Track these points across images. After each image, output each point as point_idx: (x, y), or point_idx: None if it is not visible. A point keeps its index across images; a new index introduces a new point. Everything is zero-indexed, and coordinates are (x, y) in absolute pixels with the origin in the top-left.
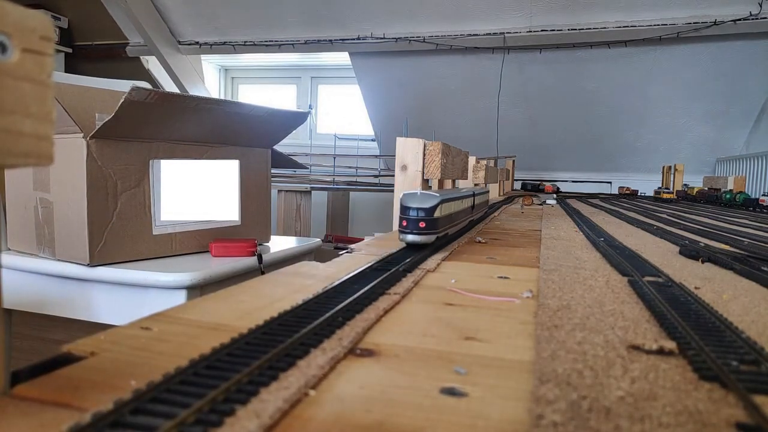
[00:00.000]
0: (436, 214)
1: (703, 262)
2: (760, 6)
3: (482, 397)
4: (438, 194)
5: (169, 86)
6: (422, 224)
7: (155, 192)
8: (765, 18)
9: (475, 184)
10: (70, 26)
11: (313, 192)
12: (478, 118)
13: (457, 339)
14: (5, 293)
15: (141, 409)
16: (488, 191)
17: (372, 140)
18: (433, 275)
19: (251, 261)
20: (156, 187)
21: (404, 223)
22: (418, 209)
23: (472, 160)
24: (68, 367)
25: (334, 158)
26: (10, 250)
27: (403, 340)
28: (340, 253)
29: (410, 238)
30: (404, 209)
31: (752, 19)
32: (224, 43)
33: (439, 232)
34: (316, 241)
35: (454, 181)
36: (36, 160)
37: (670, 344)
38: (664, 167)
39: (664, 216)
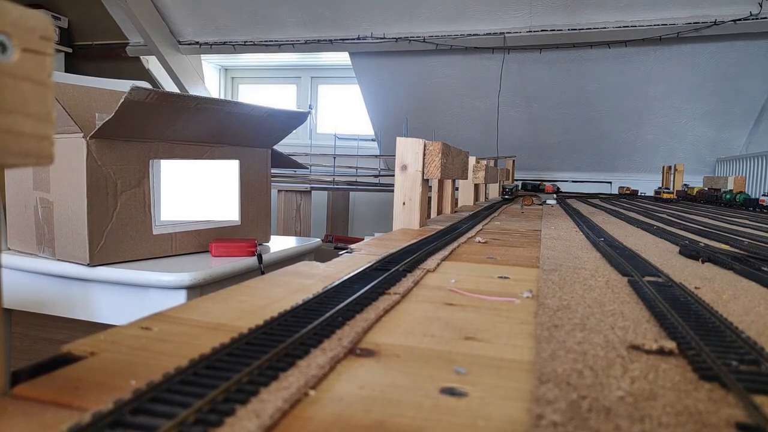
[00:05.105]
0: (513, 190)
1: (703, 262)
2: (760, 6)
3: (482, 397)
4: (512, 185)
5: (169, 86)
6: (509, 193)
7: (155, 192)
8: (765, 18)
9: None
10: (70, 26)
11: (313, 192)
12: (478, 118)
13: (457, 339)
14: (5, 293)
15: (141, 409)
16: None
17: (372, 140)
18: (433, 275)
19: (251, 261)
20: (156, 187)
21: (503, 192)
22: (509, 187)
23: (472, 160)
24: (68, 367)
25: (334, 158)
26: (10, 250)
27: (403, 340)
28: (340, 253)
29: (506, 197)
30: (504, 188)
31: (752, 19)
32: (224, 43)
33: (512, 196)
34: (316, 241)
35: (454, 181)
36: (36, 160)
37: (670, 344)
38: (664, 167)
39: (664, 216)
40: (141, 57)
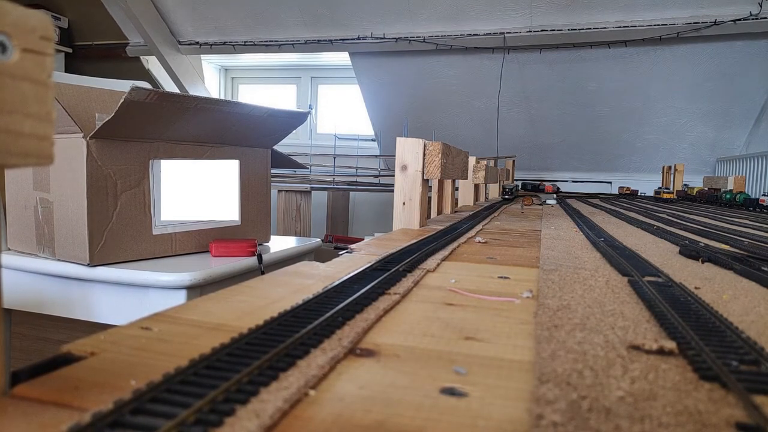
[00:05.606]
0: (513, 190)
1: (703, 262)
2: (760, 6)
3: (482, 397)
4: (512, 185)
5: (169, 86)
6: (509, 193)
7: (155, 192)
8: (765, 18)
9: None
10: (70, 26)
11: (313, 192)
12: (478, 118)
13: (457, 339)
14: (5, 293)
15: (141, 409)
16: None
17: (372, 140)
18: (433, 275)
19: (251, 261)
20: (156, 187)
21: (503, 192)
22: (509, 187)
23: (472, 160)
24: (68, 367)
25: (334, 158)
26: (10, 250)
27: (403, 340)
28: (340, 253)
29: (506, 197)
30: (504, 188)
31: (752, 19)
32: (224, 43)
33: (512, 196)
34: (316, 241)
35: (454, 181)
36: (36, 160)
37: (670, 344)
38: (664, 167)
39: (664, 216)
40: (141, 57)
